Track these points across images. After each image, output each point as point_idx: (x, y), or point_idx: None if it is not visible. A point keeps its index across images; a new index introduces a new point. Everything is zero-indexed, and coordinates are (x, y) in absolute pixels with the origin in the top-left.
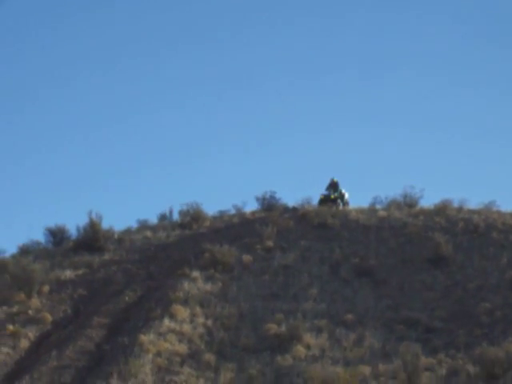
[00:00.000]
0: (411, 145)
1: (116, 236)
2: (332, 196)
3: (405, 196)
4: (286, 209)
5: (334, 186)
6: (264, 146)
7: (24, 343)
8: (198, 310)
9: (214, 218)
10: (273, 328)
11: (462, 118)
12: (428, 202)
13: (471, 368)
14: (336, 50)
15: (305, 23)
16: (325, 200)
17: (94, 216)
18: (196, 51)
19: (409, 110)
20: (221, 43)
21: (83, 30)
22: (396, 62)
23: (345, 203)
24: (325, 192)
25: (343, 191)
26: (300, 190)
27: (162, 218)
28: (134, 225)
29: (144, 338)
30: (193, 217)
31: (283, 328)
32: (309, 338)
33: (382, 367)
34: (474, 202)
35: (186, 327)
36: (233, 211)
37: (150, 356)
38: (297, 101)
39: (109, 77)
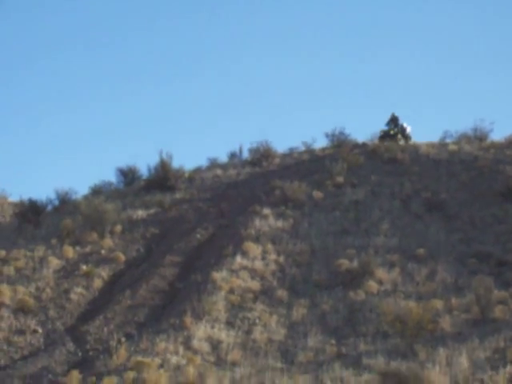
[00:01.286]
0: (481, 78)
1: (187, 175)
2: (392, 131)
3: (475, 129)
4: (355, 144)
5: (394, 120)
6: (332, 81)
7: (97, 283)
8: (269, 246)
9: (284, 155)
10: (344, 263)
11: None
12: (499, 135)
13: None
14: None
15: None
16: (384, 136)
17: (164, 155)
18: None
19: (479, 44)
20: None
21: None
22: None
23: (407, 137)
24: (385, 127)
25: (405, 125)
26: (370, 125)
27: (232, 156)
28: (205, 163)
29: (216, 275)
30: (263, 154)
31: (355, 263)
32: (381, 272)
33: (454, 301)
34: None
35: (258, 264)
36: (302, 148)
37: (223, 293)
38: (363, 34)
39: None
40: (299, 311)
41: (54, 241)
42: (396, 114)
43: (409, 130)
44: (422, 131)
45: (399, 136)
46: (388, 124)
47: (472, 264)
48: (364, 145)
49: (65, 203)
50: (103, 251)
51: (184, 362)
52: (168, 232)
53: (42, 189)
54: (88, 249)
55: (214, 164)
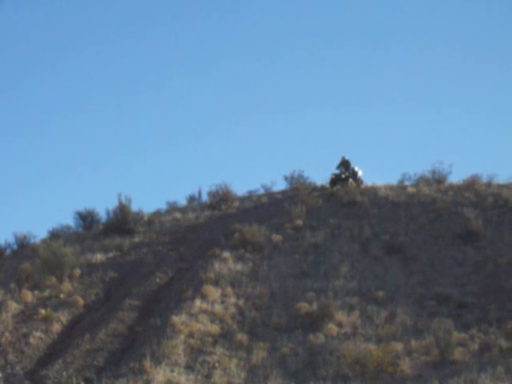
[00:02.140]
0: (439, 121)
1: (146, 218)
2: (343, 176)
3: (433, 172)
4: (314, 187)
5: (345, 164)
6: (292, 124)
7: (56, 327)
8: (229, 290)
9: (243, 198)
10: (304, 307)
11: (489, 93)
12: (457, 177)
13: (504, 342)
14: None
15: None
16: (336, 180)
17: (123, 199)
18: None
19: (436, 86)
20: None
21: None
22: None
23: (358, 181)
24: (336, 171)
25: (356, 169)
26: (328, 168)
27: (191, 199)
28: (164, 207)
29: (176, 319)
30: (222, 197)
31: (315, 306)
32: (340, 315)
33: (414, 343)
34: (502, 177)
35: (218, 307)
36: (261, 191)
37: (183, 337)
38: (318, 76)
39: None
40: (259, 354)
41: (12, 285)
42: (347, 158)
43: (360, 173)
44: (381, 174)
45: (350, 180)
46: (338, 167)
47: (431, 306)
48: (323, 187)
49: (23, 247)
50: (62, 295)
51: None
52: (127, 276)
53: (0, 233)
54: (47, 293)
55: (173, 207)
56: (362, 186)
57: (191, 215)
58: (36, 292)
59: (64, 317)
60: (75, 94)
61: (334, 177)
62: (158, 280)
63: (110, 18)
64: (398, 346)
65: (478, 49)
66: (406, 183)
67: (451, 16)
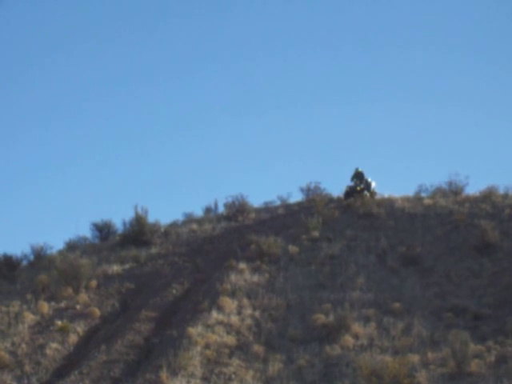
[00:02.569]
0: (456, 131)
1: (162, 230)
2: (358, 188)
3: (450, 183)
4: (330, 198)
5: (358, 176)
6: (308, 136)
7: (73, 338)
8: (245, 301)
9: (259, 209)
10: (320, 318)
11: (508, 102)
12: (473, 189)
13: None
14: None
15: None
16: (351, 192)
17: (139, 210)
18: None
19: (454, 95)
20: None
21: None
22: (443, 41)
23: (372, 193)
24: (350, 183)
25: (369, 180)
26: (344, 180)
27: (208, 210)
28: (180, 218)
29: (192, 330)
30: (238, 209)
31: (331, 318)
32: (357, 327)
33: (430, 355)
34: None
35: (234, 319)
36: (278, 202)
37: (199, 348)
38: (334, 82)
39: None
40: (275, 366)
41: (29, 296)
42: (360, 169)
43: (373, 185)
44: (397, 185)
45: (366, 192)
46: (352, 179)
47: (448, 318)
48: (339, 199)
49: (40, 258)
50: (78, 306)
51: None
52: (143, 287)
53: (16, 244)
54: (63, 304)
55: (189, 219)
56: (376, 197)
57: (208, 226)
58: (52, 303)
59: (80, 328)
60: (88, 99)
61: (348, 189)
62: (174, 291)
63: (109, 16)
64: (415, 358)
65: (502, 55)
66: (423, 195)
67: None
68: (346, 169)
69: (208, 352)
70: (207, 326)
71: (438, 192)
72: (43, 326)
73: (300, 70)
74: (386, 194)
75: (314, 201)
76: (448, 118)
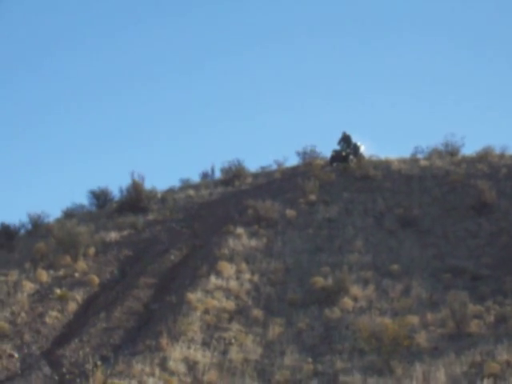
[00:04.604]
0: (451, 92)
1: (159, 196)
2: (344, 152)
3: (446, 144)
4: (327, 162)
5: (346, 139)
6: (304, 99)
7: (72, 306)
8: (243, 266)
9: (256, 174)
10: (319, 281)
11: (502, 64)
12: (470, 149)
13: None
14: None
15: None
16: (336, 157)
17: (136, 177)
18: None
19: (449, 59)
20: None
21: None
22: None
23: (360, 157)
24: (336, 147)
25: (358, 144)
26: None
27: (204, 176)
28: (177, 184)
29: (191, 296)
30: (235, 174)
31: (330, 281)
32: (355, 289)
33: (430, 316)
34: None
35: (233, 284)
36: (274, 166)
37: (198, 313)
38: (335, 54)
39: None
40: (275, 330)
41: (27, 265)
42: (347, 133)
43: (362, 149)
44: (393, 147)
45: (351, 157)
46: (340, 143)
47: (446, 279)
48: (325, 163)
49: (37, 227)
50: (77, 274)
51: (161, 383)
52: (142, 254)
53: (14, 213)
54: (62, 272)
55: (186, 184)
56: (363, 161)
57: (204, 192)
58: (51, 271)
59: (79, 296)
60: (87, 74)
61: (334, 154)
62: (172, 257)
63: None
64: (414, 320)
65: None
66: (419, 156)
67: None
68: (340, 130)
69: (207, 317)
70: (206, 292)
71: (435, 153)
72: (42, 295)
73: (300, 41)
74: (383, 156)
75: (311, 164)
76: (443, 77)
